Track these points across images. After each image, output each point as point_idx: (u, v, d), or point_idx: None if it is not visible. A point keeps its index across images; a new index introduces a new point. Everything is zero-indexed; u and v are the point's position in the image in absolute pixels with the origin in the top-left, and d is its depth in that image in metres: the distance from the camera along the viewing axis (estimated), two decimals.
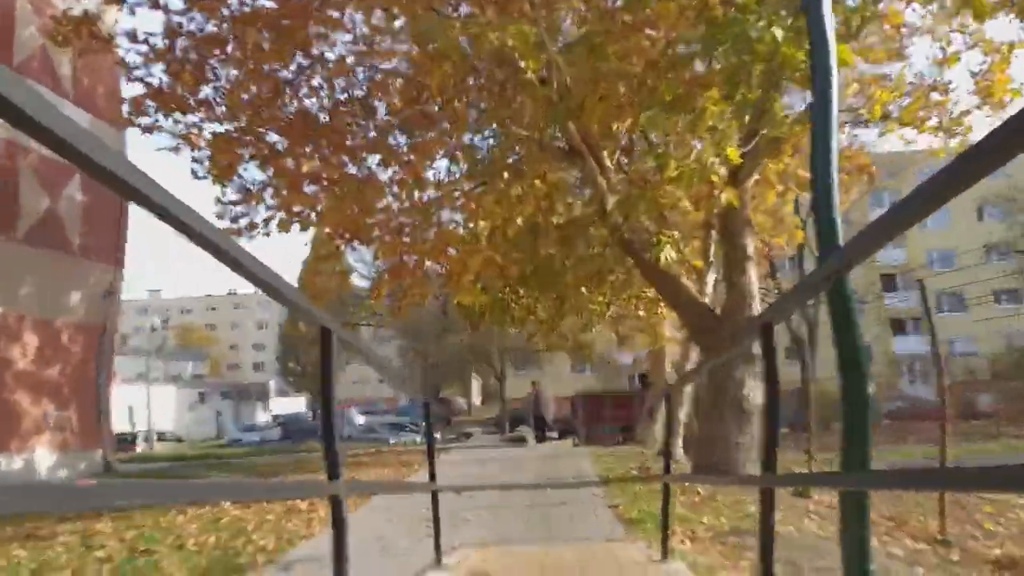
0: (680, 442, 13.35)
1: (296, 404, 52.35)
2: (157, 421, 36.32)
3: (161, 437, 32.33)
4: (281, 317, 50.82)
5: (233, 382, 59.66)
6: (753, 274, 8.86)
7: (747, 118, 6.84)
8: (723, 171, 6.55)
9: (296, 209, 9.22)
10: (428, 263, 9.75)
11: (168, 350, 69.54)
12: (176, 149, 9.23)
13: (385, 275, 9.79)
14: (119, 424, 33.83)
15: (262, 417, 47.58)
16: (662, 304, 13.35)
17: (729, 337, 8.60)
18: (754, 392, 8.51)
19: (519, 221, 8.14)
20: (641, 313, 14.55)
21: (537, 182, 7.87)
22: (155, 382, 46.87)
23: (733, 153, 6.56)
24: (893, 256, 42.73)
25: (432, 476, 3.97)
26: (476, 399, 57.78)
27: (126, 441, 30.86)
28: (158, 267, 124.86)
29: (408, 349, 42.08)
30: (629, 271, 13.12)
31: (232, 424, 43.91)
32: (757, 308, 8.82)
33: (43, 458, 13.28)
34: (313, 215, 8.39)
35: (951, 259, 40.83)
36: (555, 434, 21.57)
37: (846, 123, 11.63)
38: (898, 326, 44.62)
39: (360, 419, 38.75)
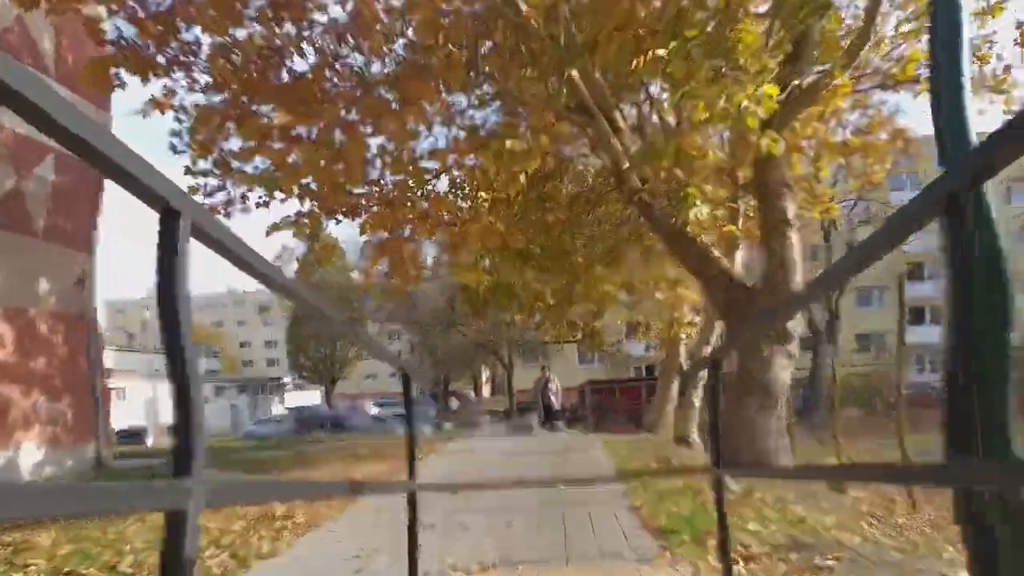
0: (695, 427, 12.38)
1: (312, 397, 52.08)
2: (170, 415, 35.96)
3: (168, 432, 31.71)
4: (285, 312, 50.31)
5: (249, 377, 59.58)
6: (796, 241, 7.79)
7: (788, 47, 5.79)
8: (761, 112, 5.50)
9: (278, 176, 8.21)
10: (423, 236, 8.74)
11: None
12: (144, 113, 8.27)
13: (375, 250, 8.78)
14: (134, 419, 33.85)
15: (278, 410, 47.32)
16: (682, 285, 12.33)
17: (766, 312, 7.61)
18: (783, 373, 7.51)
19: (522, 179, 7.08)
20: (659, 296, 13.49)
21: (543, 137, 6.82)
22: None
23: (772, 92, 5.51)
24: (916, 245, 41.24)
25: (411, 472, 2.97)
26: (485, 391, 57.05)
27: (138, 436, 30.40)
28: (149, 265, 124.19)
29: (417, 343, 41.46)
30: (646, 250, 12.11)
31: (248, 417, 43.68)
32: (799, 280, 7.77)
33: (28, 454, 12.43)
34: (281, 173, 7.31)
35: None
36: (562, 423, 20.66)
37: (875, 87, 10.63)
38: (916, 315, 43.27)
39: (373, 411, 38.56)
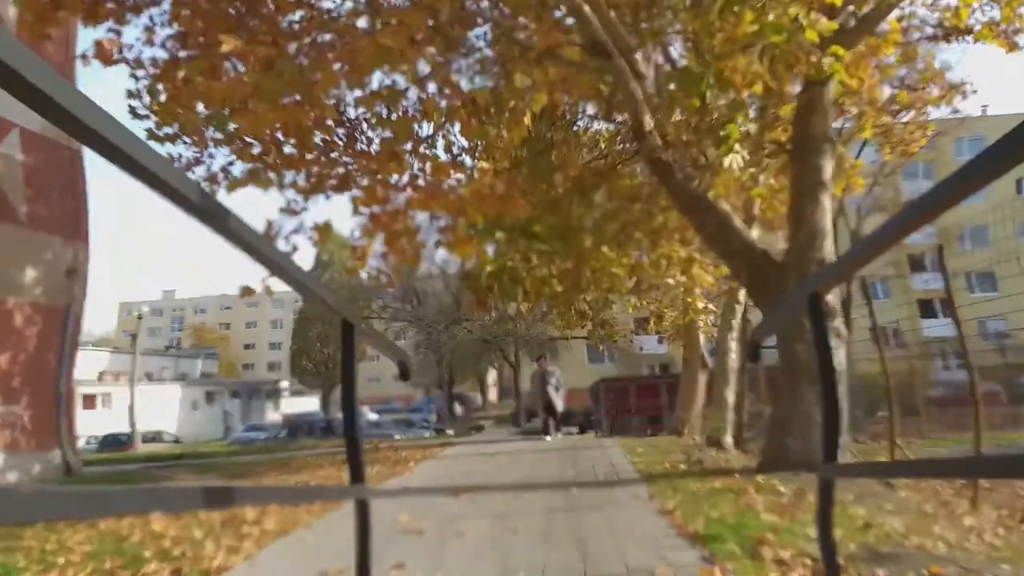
0: (730, 428, 11.32)
1: (310, 404, 51.06)
2: (159, 420, 35.25)
3: (155, 437, 30.68)
4: (295, 315, 49.55)
5: (243, 381, 58.60)
6: (828, 205, 6.86)
7: None
8: (822, 25, 4.56)
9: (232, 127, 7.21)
10: (418, 209, 7.82)
11: (179, 348, 68.92)
12: (84, 59, 7.35)
13: (368, 227, 7.85)
14: (122, 424, 33.02)
15: (273, 416, 46.44)
16: (697, 266, 11.37)
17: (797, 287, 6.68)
18: (836, 354, 6.52)
19: (527, 120, 6.11)
20: (671, 281, 12.49)
21: (551, 70, 5.87)
22: (162, 381, 46.05)
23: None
24: (917, 238, 40.26)
25: (357, 475, 2.03)
26: (492, 395, 55.96)
27: (121, 442, 29.59)
28: (170, 266, 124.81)
29: (422, 341, 40.54)
30: (657, 230, 11.17)
31: (240, 423, 42.81)
32: (831, 251, 6.82)
33: None
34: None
35: (983, 235, 38.31)
36: (575, 429, 19.44)
37: (923, 38, 9.71)
38: (925, 309, 42.12)
39: (372, 416, 37.95)
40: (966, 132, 33.48)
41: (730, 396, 11.41)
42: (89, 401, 39.28)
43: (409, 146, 7.01)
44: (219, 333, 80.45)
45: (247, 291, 7.72)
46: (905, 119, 11.32)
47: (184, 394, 44.59)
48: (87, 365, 43.17)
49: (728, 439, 10.91)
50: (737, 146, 5.33)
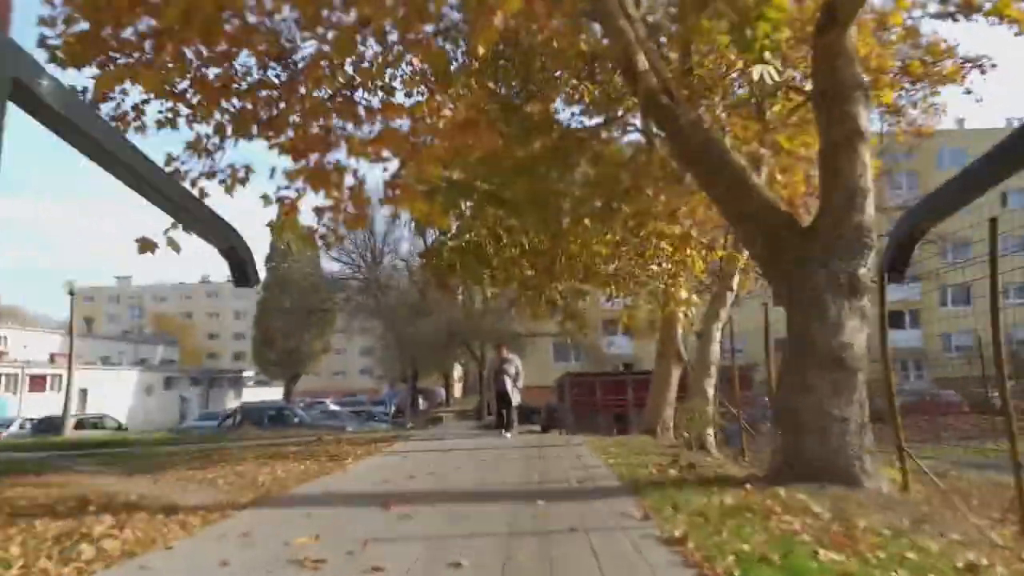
0: (711, 425, 10.12)
1: (276, 393, 49.62)
2: (112, 405, 33.95)
3: (96, 423, 28.97)
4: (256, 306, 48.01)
5: (204, 368, 57.00)
6: (867, 160, 5.65)
7: None
8: None
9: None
10: (359, 156, 6.40)
11: (137, 334, 66.83)
12: None
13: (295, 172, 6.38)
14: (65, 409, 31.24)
15: (234, 404, 44.98)
16: (691, 246, 10.12)
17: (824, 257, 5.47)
18: (859, 339, 5.33)
19: (498, 20, 4.72)
20: (655, 268, 11.17)
21: None
22: (119, 365, 44.22)
23: None
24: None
25: None
26: (457, 390, 54.77)
27: (57, 425, 27.86)
28: (127, 252, 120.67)
29: (384, 335, 39.15)
30: (643, 211, 9.89)
31: (198, 411, 41.34)
32: (871, 213, 5.61)
33: None
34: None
35: (966, 251, 38.03)
36: (536, 428, 18.29)
37: (924, 16, 8.79)
38: (895, 319, 41.80)
39: (333, 408, 37.17)
40: (948, 142, 33.09)
41: (710, 388, 10.26)
42: (38, 383, 37.41)
43: (350, 67, 5.60)
44: (181, 322, 78.31)
45: (146, 245, 6.16)
46: (918, 96, 10.31)
47: (140, 379, 43.00)
48: (39, 347, 41.26)
49: (711, 439, 9.73)
50: (768, 55, 4.07)
